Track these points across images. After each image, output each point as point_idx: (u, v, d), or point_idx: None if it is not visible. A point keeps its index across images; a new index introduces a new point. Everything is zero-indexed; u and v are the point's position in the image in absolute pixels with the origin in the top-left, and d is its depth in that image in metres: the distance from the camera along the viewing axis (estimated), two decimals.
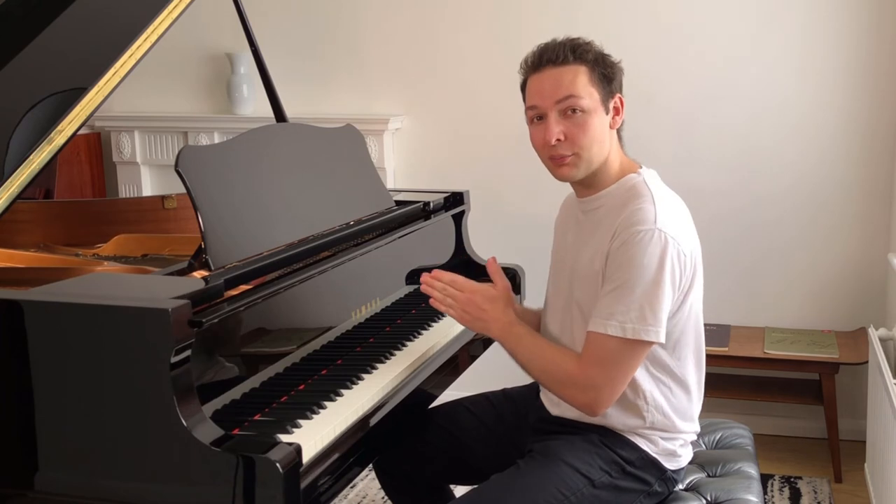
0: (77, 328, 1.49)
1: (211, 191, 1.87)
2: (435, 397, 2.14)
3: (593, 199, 1.86)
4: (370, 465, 2.09)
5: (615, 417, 1.81)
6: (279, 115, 2.61)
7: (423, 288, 1.92)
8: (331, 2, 3.75)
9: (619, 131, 1.86)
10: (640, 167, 1.87)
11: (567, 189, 2.01)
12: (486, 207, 3.32)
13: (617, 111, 1.84)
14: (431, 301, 1.92)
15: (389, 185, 3.57)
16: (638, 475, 1.82)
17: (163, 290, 1.55)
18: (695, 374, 1.86)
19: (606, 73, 1.81)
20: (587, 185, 1.85)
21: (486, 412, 2.07)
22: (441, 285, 1.89)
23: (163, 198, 2.71)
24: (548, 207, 2.26)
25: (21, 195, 1.89)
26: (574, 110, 1.77)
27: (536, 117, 1.82)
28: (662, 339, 1.72)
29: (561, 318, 1.89)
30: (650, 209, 1.74)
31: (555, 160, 1.81)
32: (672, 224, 1.74)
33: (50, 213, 2.67)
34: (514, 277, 2.64)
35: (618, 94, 1.84)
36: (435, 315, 2.29)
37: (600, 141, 1.80)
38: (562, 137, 1.77)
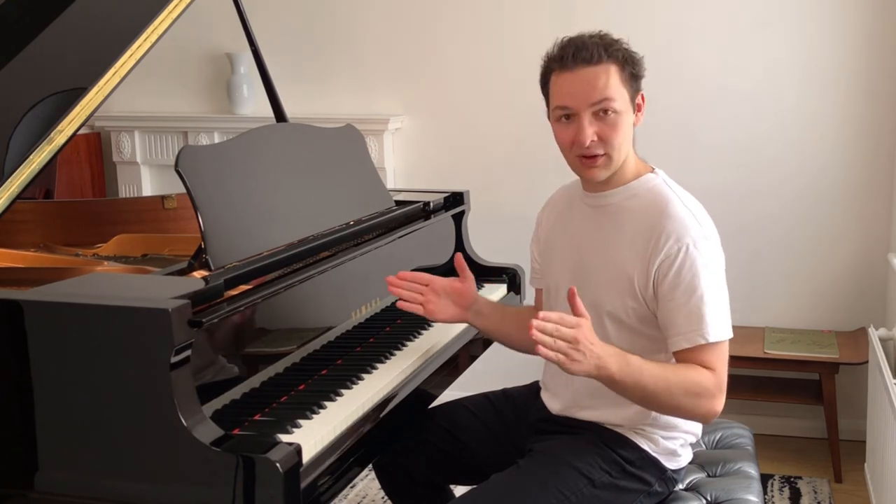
0: (77, 328, 1.49)
1: (211, 191, 1.86)
2: (435, 397, 2.14)
3: (607, 195, 1.85)
4: (370, 465, 2.09)
5: (618, 413, 1.81)
6: (279, 115, 2.61)
7: (536, 335, 1.59)
8: (331, 2, 3.75)
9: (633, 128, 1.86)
10: (653, 167, 1.87)
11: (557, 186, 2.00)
12: (485, 207, 3.31)
13: (639, 108, 1.83)
14: (542, 351, 1.59)
15: (389, 185, 3.57)
16: (638, 475, 1.82)
17: (163, 290, 1.55)
18: None
19: (634, 72, 1.80)
20: (604, 181, 1.84)
21: (486, 412, 2.07)
22: (553, 326, 1.60)
23: (163, 198, 2.71)
24: None
25: (21, 195, 1.89)
26: (607, 112, 1.75)
27: (565, 116, 1.79)
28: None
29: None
30: (688, 215, 1.76)
31: (585, 160, 1.78)
32: (710, 224, 1.79)
33: (50, 213, 2.66)
34: (514, 277, 2.64)
35: (641, 92, 1.83)
36: None
37: (628, 139, 1.80)
38: (595, 138, 1.76)
